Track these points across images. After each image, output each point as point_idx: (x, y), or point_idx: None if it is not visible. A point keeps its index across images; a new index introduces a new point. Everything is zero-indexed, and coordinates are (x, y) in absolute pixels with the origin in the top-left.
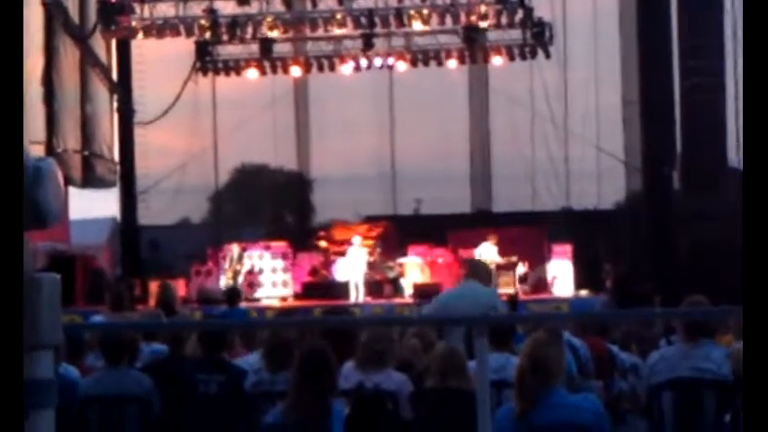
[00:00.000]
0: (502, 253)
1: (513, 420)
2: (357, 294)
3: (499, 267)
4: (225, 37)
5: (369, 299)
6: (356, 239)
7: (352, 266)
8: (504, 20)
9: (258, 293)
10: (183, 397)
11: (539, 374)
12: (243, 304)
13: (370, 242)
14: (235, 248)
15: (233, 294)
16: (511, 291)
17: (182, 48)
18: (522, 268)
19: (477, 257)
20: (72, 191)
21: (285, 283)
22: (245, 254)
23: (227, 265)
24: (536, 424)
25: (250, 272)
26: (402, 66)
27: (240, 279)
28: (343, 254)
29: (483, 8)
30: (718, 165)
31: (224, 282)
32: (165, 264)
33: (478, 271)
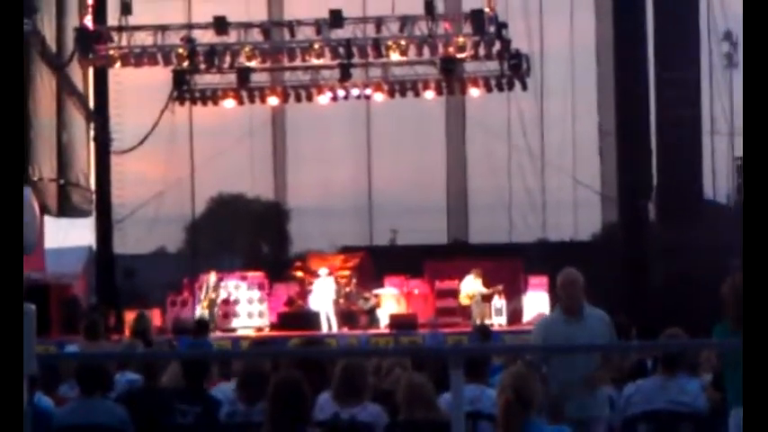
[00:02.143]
0: (484, 284)
1: None
2: (329, 325)
3: (485, 299)
4: (202, 66)
5: (345, 329)
6: (322, 271)
7: (320, 298)
8: (481, 51)
9: (234, 323)
10: (159, 427)
11: (522, 406)
12: (218, 334)
13: (347, 273)
14: (212, 277)
15: (201, 325)
16: (487, 321)
17: (159, 77)
18: (499, 300)
19: (463, 292)
20: (48, 220)
21: (261, 314)
22: (222, 283)
23: (202, 295)
24: None
25: (226, 302)
26: (379, 96)
27: (216, 308)
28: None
29: (461, 39)
30: (693, 197)
31: (199, 311)
32: (141, 293)
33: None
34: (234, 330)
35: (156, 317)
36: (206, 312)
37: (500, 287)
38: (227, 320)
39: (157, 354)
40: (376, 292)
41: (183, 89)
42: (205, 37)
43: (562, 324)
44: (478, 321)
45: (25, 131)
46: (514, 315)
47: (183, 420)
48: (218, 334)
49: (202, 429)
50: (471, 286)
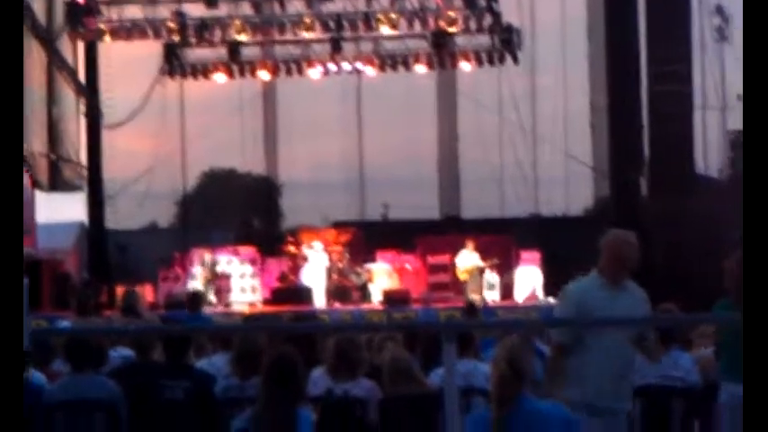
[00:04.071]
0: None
1: (486, 425)
2: (322, 300)
3: (482, 272)
4: (193, 40)
5: (337, 305)
6: (316, 245)
7: (313, 272)
8: (472, 25)
9: (227, 299)
10: (150, 403)
11: (516, 380)
12: (212, 309)
13: (339, 248)
14: (207, 256)
15: (195, 299)
16: (477, 297)
17: (150, 50)
18: (491, 275)
19: (459, 267)
20: (39, 195)
21: (254, 289)
22: (217, 260)
23: (199, 271)
24: (509, 429)
25: (220, 277)
26: (370, 70)
27: (212, 286)
28: (308, 259)
29: (451, 13)
30: (685, 171)
31: (198, 286)
32: (133, 268)
33: None
34: (227, 305)
35: (147, 292)
36: (201, 288)
37: (496, 260)
38: (221, 296)
39: (146, 328)
40: (368, 267)
41: (173, 63)
42: (196, 10)
43: (602, 294)
44: (475, 296)
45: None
46: (506, 290)
47: (171, 395)
48: (215, 309)
49: (192, 405)
50: (468, 260)
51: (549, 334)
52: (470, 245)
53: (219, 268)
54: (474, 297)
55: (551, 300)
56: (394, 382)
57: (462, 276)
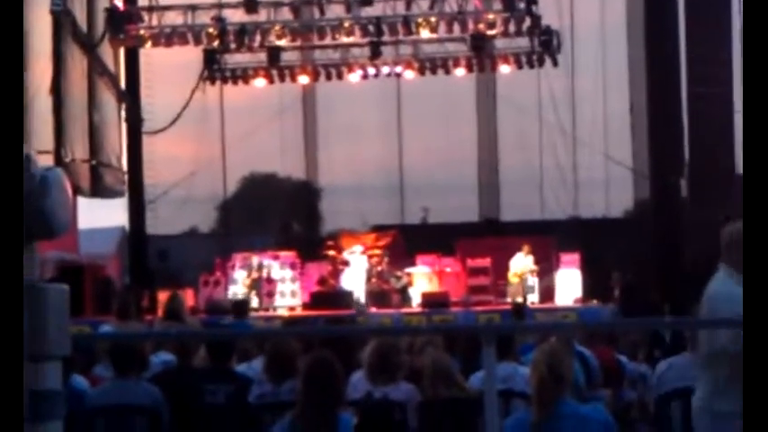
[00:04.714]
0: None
1: (525, 430)
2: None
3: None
4: (233, 45)
5: (373, 309)
6: (356, 248)
7: (353, 276)
8: (511, 28)
9: (271, 303)
10: (192, 407)
11: (556, 383)
12: (255, 314)
13: (378, 251)
14: (254, 258)
15: (241, 306)
16: (519, 300)
17: (190, 56)
18: (531, 278)
19: (512, 270)
20: (80, 200)
21: (294, 293)
22: (265, 262)
23: (242, 275)
24: None
25: (269, 280)
26: (410, 74)
27: (259, 289)
28: (349, 263)
29: (491, 16)
30: (726, 173)
31: (239, 290)
32: (174, 273)
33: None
34: (274, 310)
35: (189, 297)
36: (247, 292)
37: (546, 264)
38: (269, 299)
39: (188, 333)
40: (408, 270)
41: (213, 68)
42: (235, 16)
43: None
44: (519, 299)
45: (57, 113)
46: (546, 293)
47: (213, 400)
48: (260, 313)
49: (233, 409)
50: (521, 263)
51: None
52: (525, 248)
53: (266, 272)
54: (517, 300)
55: (592, 302)
56: (434, 386)
57: (513, 280)
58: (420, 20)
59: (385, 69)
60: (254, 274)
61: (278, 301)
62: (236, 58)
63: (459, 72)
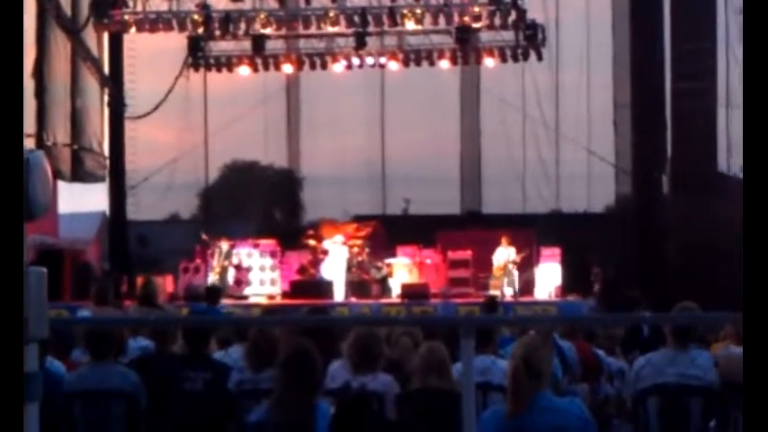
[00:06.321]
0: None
1: (501, 422)
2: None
3: (517, 265)
4: (217, 33)
5: (353, 299)
6: (337, 238)
7: (333, 265)
8: (497, 21)
9: (246, 291)
10: (169, 393)
11: (532, 377)
12: (230, 301)
13: (359, 241)
14: (223, 245)
15: (213, 292)
16: (497, 293)
17: (174, 43)
18: (514, 270)
19: (496, 263)
20: (61, 185)
21: (273, 282)
22: (234, 250)
23: (215, 262)
24: (524, 427)
25: (238, 267)
26: (394, 65)
27: (228, 275)
28: (329, 253)
29: (476, 9)
30: (708, 169)
31: (212, 278)
32: (154, 259)
33: None
34: (246, 298)
35: (168, 283)
36: (217, 279)
37: (527, 252)
38: (239, 287)
39: (164, 320)
40: (388, 261)
41: (197, 55)
42: (220, 3)
43: None
44: (496, 292)
45: (39, 96)
46: (526, 286)
47: (191, 387)
48: (231, 301)
49: (211, 395)
50: (503, 255)
51: None
52: (504, 240)
53: (236, 258)
54: (495, 293)
55: (570, 297)
56: (425, 375)
57: (497, 274)
58: (405, 11)
59: (369, 60)
60: (224, 262)
61: (255, 288)
62: (220, 46)
63: (444, 64)
